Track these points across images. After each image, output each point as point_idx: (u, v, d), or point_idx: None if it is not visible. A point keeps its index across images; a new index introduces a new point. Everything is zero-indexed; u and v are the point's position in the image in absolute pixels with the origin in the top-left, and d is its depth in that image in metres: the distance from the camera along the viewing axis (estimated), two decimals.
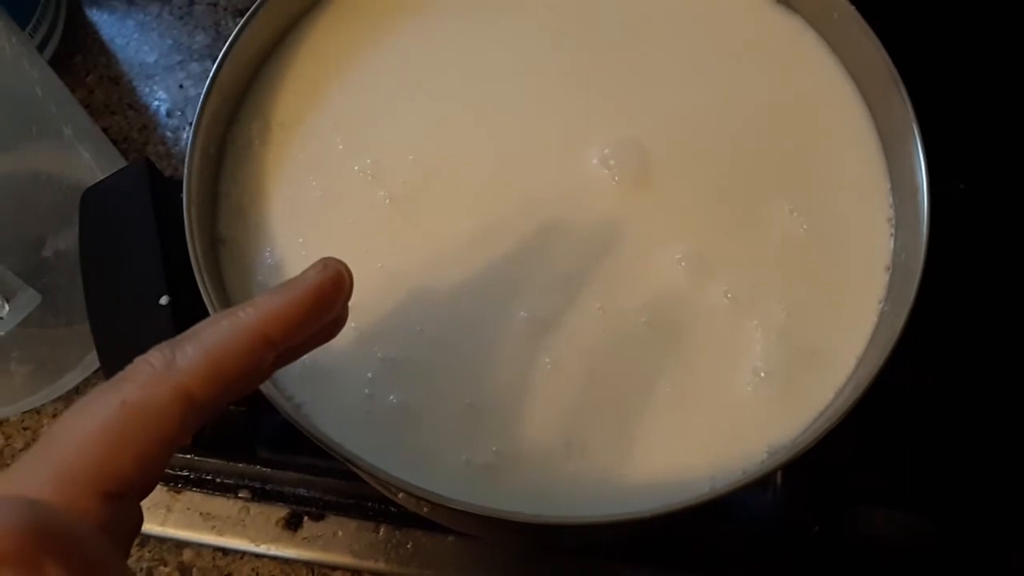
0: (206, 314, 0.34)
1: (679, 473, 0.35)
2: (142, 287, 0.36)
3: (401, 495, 0.43)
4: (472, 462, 0.35)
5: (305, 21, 0.43)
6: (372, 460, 0.34)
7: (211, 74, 0.38)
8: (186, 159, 0.37)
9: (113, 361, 0.36)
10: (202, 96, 0.38)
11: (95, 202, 0.38)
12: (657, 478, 0.35)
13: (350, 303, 0.37)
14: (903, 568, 0.44)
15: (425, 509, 0.44)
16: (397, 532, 0.47)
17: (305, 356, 0.36)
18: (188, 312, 0.35)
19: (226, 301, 0.37)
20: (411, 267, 0.38)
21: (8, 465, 0.51)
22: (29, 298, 0.44)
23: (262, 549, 0.48)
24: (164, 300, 0.35)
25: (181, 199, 0.36)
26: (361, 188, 0.39)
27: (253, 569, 0.49)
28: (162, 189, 0.38)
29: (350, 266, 0.38)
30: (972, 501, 0.46)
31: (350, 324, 0.37)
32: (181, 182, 0.37)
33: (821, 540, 0.45)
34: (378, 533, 0.48)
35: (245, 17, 0.40)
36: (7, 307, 0.43)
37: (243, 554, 0.49)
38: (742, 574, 0.46)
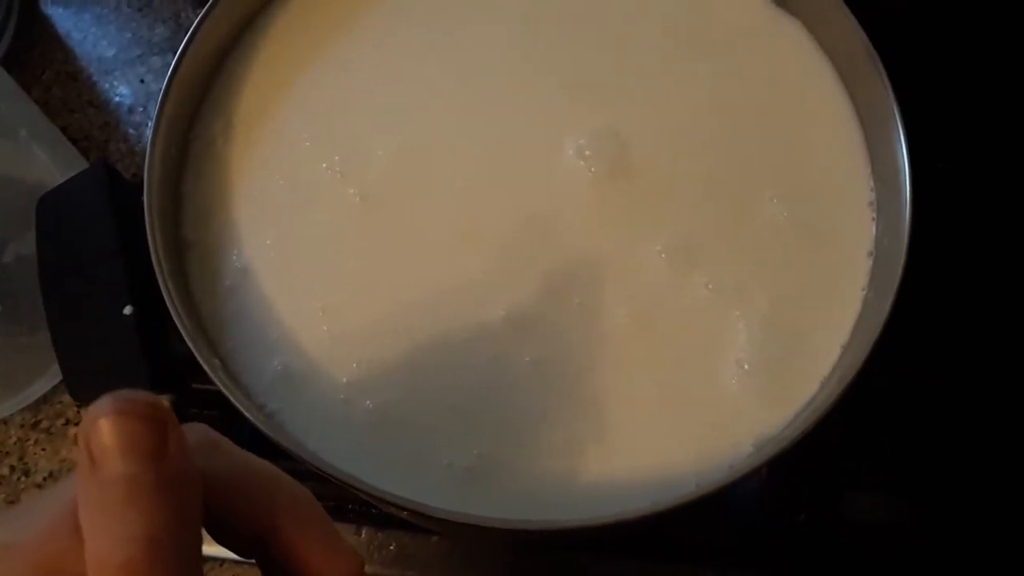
0: (172, 324, 0.33)
1: (664, 470, 0.34)
2: (104, 297, 0.35)
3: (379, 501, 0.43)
4: (454, 466, 0.34)
5: (269, 12, 0.42)
6: (350, 467, 0.33)
7: (170, 69, 0.37)
8: (146, 161, 0.35)
9: (77, 375, 0.35)
10: (161, 93, 0.37)
11: (52, 208, 0.37)
12: (642, 476, 0.34)
13: (322, 305, 0.36)
14: (890, 555, 0.44)
15: (404, 514, 0.43)
16: (379, 534, 0.47)
17: (277, 363, 0.35)
18: (154, 322, 0.34)
19: (192, 309, 0.35)
20: (384, 266, 0.37)
21: None
22: None
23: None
24: (128, 310, 0.34)
25: (142, 203, 0.35)
26: (330, 186, 0.38)
27: None
28: (123, 192, 0.37)
29: (322, 267, 0.37)
30: (957, 487, 0.45)
31: (323, 328, 0.36)
32: (142, 185, 0.35)
33: (807, 528, 0.45)
34: (360, 535, 0.47)
35: (205, 8, 0.38)
36: None
37: (223, 561, 0.48)
38: (729, 563, 0.46)
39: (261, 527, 0.22)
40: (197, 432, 0.23)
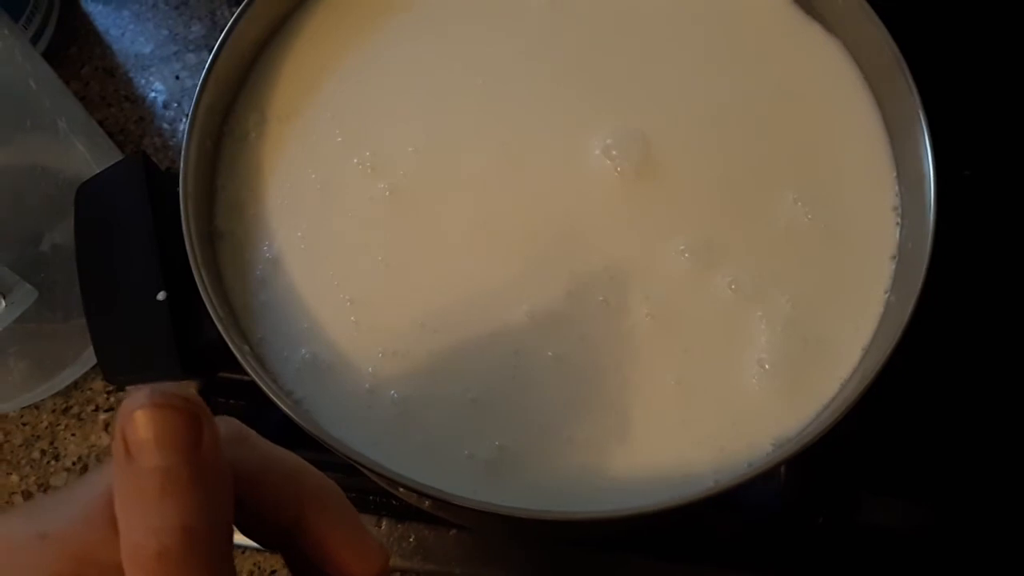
0: (204, 310, 0.34)
1: (684, 467, 0.34)
2: (139, 283, 0.35)
3: (402, 490, 0.43)
4: (475, 457, 0.35)
5: (302, 11, 0.42)
6: (373, 455, 0.33)
7: (207, 65, 0.38)
8: (182, 152, 0.36)
9: (111, 358, 0.36)
10: (198, 88, 0.37)
11: (90, 197, 0.38)
12: (661, 472, 0.34)
13: (350, 296, 0.37)
14: (908, 558, 0.44)
15: (427, 504, 0.43)
16: (399, 526, 0.47)
17: (305, 351, 0.36)
18: (186, 308, 0.35)
19: (224, 296, 0.36)
20: (411, 260, 0.37)
21: (7, 460, 0.51)
22: (26, 293, 0.44)
23: None
24: (161, 296, 0.35)
25: (177, 193, 0.36)
26: (360, 180, 0.39)
27: (255, 564, 0.49)
28: (158, 182, 0.38)
29: (350, 259, 0.37)
30: (975, 491, 0.45)
31: (350, 319, 0.37)
32: (177, 175, 0.36)
33: (825, 530, 0.45)
34: (380, 527, 0.47)
35: (241, 6, 0.39)
36: (3, 303, 0.43)
37: (245, 549, 0.49)
38: (746, 564, 0.46)
39: (288, 519, 0.23)
40: (227, 425, 0.23)
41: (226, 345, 0.33)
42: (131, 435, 0.19)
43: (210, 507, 0.19)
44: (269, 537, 0.23)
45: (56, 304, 0.49)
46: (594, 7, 0.42)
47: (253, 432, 0.24)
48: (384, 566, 0.24)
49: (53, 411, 0.53)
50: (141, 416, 0.19)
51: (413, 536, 0.47)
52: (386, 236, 0.38)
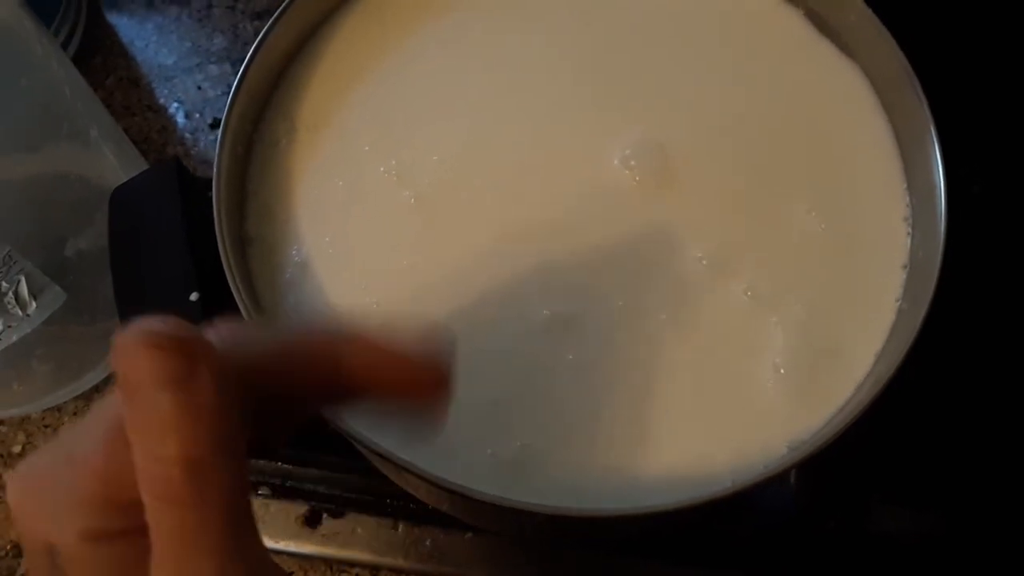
0: (236, 312, 0.35)
1: (700, 468, 0.35)
2: (172, 284, 0.36)
3: (423, 489, 0.44)
4: (497, 456, 0.35)
5: (331, 22, 0.44)
6: (399, 453, 0.34)
7: (239, 74, 0.39)
8: (216, 158, 0.37)
9: None
10: (230, 96, 0.39)
11: (124, 201, 0.39)
12: (679, 473, 0.35)
13: (376, 300, 0.38)
14: (918, 565, 0.45)
15: (445, 506, 0.44)
16: (416, 529, 0.48)
17: None
18: (218, 309, 0.36)
19: (255, 297, 0.37)
20: (436, 265, 0.38)
21: None
22: (55, 296, 0.45)
23: (281, 546, 0.49)
24: (194, 297, 0.36)
25: (210, 198, 0.37)
26: (387, 188, 0.40)
27: None
28: (191, 188, 0.39)
29: (376, 264, 0.38)
30: (987, 499, 0.46)
31: (376, 322, 0.38)
32: (209, 181, 0.37)
33: (836, 535, 0.46)
34: (397, 530, 0.48)
35: (274, 16, 0.40)
36: (34, 304, 0.44)
37: None
38: (757, 568, 0.47)
39: (332, 381, 0.23)
40: (232, 332, 0.23)
41: None
42: (128, 370, 0.20)
43: (212, 439, 0.20)
44: (319, 401, 0.24)
45: (81, 307, 0.50)
46: (616, 19, 0.43)
47: (258, 326, 0.24)
48: (445, 372, 0.25)
49: (75, 413, 0.53)
50: (136, 352, 0.19)
51: (429, 540, 0.48)
52: (411, 242, 0.39)
